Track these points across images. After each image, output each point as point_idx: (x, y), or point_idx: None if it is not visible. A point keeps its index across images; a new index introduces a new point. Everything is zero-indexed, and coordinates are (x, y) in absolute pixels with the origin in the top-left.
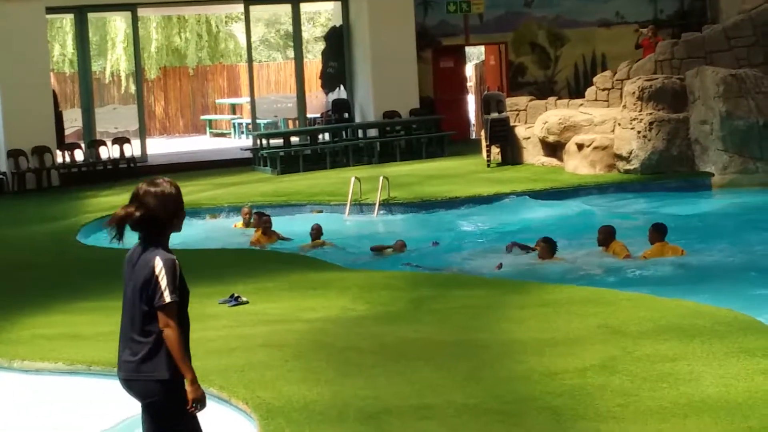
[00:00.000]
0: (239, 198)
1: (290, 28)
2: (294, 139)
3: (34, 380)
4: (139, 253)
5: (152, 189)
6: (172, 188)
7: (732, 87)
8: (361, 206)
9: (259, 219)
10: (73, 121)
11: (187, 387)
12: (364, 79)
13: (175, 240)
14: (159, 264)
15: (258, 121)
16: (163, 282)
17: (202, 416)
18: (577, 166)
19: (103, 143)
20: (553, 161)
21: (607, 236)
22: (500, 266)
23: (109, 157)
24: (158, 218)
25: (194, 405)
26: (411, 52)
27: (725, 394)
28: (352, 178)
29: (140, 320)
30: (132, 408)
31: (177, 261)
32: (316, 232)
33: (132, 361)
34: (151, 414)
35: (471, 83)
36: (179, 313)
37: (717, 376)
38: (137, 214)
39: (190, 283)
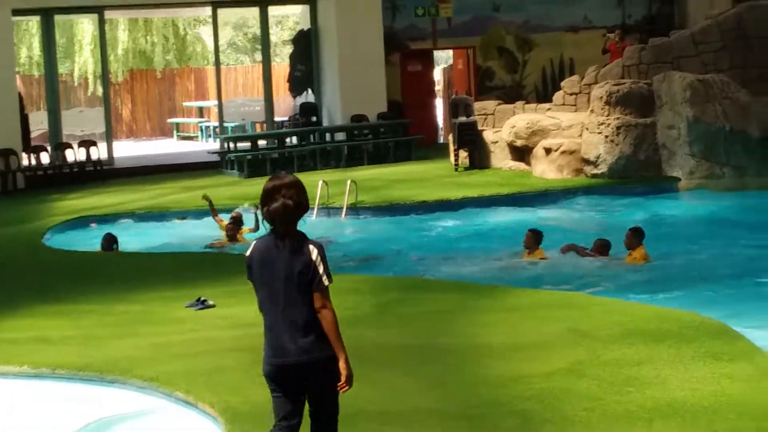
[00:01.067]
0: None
1: (258, 32)
2: (261, 143)
3: None
4: (276, 243)
5: (287, 181)
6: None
7: (699, 92)
8: (328, 210)
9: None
10: (39, 123)
11: (342, 365)
12: (331, 83)
13: (140, 244)
14: (315, 251)
15: (225, 124)
16: (320, 267)
17: (167, 420)
18: (545, 170)
19: (70, 146)
20: (521, 165)
21: (632, 241)
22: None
23: (76, 160)
24: (303, 206)
25: (345, 383)
26: (379, 55)
27: (691, 398)
28: (320, 182)
29: (303, 305)
30: (97, 412)
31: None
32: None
33: (301, 345)
34: (312, 394)
35: (439, 87)
36: None
37: (683, 380)
38: (290, 203)
39: (156, 287)
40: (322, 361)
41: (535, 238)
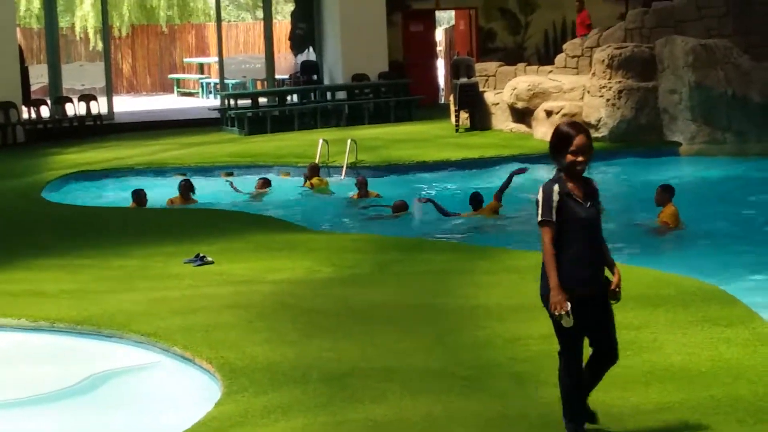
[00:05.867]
0: (206, 158)
1: None
2: (262, 100)
3: None
4: (573, 184)
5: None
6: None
7: (701, 57)
8: (328, 169)
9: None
10: (39, 77)
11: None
12: (333, 42)
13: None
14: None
15: (226, 81)
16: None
17: (165, 375)
18: (546, 132)
19: (70, 100)
20: (522, 127)
21: (663, 197)
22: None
23: (75, 114)
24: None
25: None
26: (381, 15)
27: (688, 363)
28: (320, 141)
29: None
30: (95, 366)
31: (553, 187)
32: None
33: (602, 274)
34: (603, 306)
35: (440, 48)
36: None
37: (680, 344)
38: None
39: (155, 242)
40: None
41: (666, 195)
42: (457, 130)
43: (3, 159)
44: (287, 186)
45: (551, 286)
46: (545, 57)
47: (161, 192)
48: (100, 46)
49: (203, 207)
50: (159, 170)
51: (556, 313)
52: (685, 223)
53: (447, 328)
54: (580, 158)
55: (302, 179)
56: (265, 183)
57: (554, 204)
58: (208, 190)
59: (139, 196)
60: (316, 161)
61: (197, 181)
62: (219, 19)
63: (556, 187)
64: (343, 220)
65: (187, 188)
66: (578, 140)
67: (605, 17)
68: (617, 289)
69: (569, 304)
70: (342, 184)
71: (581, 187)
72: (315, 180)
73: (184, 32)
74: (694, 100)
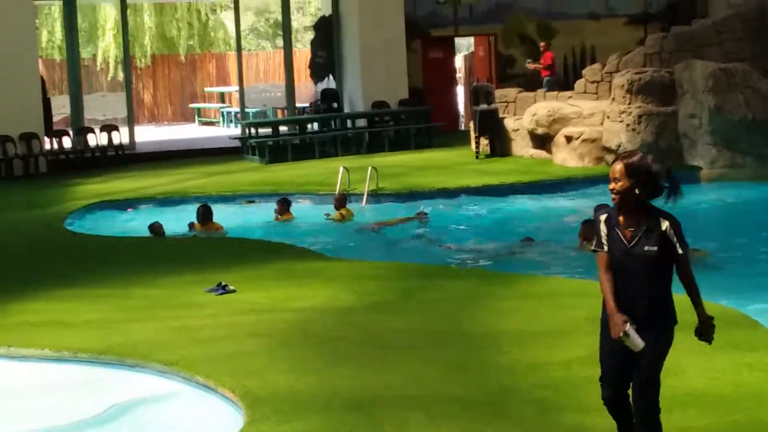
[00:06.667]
0: (227, 187)
1: (279, 17)
2: (282, 129)
3: (20, 367)
4: None
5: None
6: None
7: (721, 81)
8: (349, 196)
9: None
10: (61, 107)
11: None
12: (353, 69)
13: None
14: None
15: (247, 110)
16: None
17: (188, 404)
18: (566, 158)
19: (92, 130)
20: (542, 153)
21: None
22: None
23: (97, 145)
24: None
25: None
26: (400, 42)
27: (711, 388)
28: (341, 168)
29: None
30: (118, 396)
31: (600, 217)
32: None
33: None
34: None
35: (460, 74)
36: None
37: (703, 369)
38: None
39: (177, 271)
40: None
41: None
42: (477, 157)
43: (26, 189)
44: (309, 214)
45: (608, 311)
46: (564, 82)
47: (182, 221)
48: (121, 76)
49: (225, 236)
50: (181, 200)
51: (617, 338)
52: (710, 250)
53: (468, 355)
54: (609, 186)
55: (320, 209)
56: (284, 204)
57: (603, 234)
58: (232, 218)
59: (154, 229)
60: (337, 189)
61: (220, 209)
62: (239, 48)
63: (603, 217)
64: (364, 247)
65: (205, 214)
66: (612, 167)
67: (625, 42)
68: (698, 336)
69: (628, 325)
70: (362, 212)
71: (634, 222)
72: (344, 210)
73: (204, 61)
74: (714, 124)
